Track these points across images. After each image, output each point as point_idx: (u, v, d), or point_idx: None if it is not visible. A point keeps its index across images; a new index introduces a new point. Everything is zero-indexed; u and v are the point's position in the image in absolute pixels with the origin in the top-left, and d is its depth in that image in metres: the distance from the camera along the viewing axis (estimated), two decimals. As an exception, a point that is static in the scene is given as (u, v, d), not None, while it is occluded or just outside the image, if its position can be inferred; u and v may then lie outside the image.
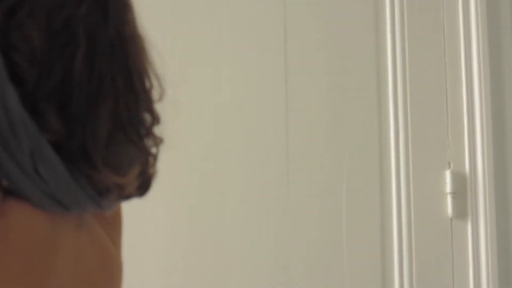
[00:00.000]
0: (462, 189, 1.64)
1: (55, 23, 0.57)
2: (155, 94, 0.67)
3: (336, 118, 1.64)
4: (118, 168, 0.61)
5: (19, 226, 0.57)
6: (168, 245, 1.55)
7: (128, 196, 0.66)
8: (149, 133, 0.66)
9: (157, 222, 1.53)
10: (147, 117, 0.65)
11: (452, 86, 1.67)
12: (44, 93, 0.56)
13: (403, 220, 1.63)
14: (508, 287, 1.63)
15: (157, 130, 0.67)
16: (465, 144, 1.66)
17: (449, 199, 1.64)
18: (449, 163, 1.66)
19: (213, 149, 1.58)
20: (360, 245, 1.61)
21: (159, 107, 0.70)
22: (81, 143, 0.58)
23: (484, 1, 1.67)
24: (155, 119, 0.66)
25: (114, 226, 0.72)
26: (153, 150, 0.67)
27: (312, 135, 1.62)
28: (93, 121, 0.58)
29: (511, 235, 1.65)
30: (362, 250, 1.62)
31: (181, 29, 1.59)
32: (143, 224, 1.51)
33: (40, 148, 0.55)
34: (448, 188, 1.64)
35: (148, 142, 0.66)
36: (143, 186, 0.67)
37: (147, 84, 0.65)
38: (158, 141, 0.67)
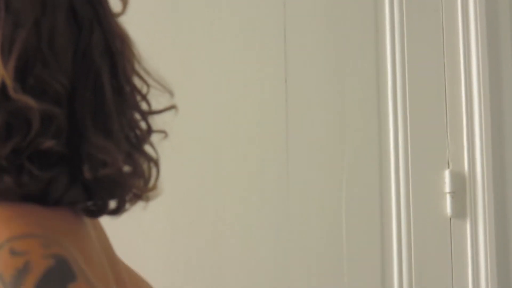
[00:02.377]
0: (461, 188, 1.65)
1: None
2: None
3: (336, 118, 1.64)
4: None
5: None
6: (168, 245, 1.55)
7: None
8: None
9: (157, 221, 1.52)
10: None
11: (451, 86, 1.68)
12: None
13: (402, 220, 1.63)
14: (507, 287, 1.64)
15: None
16: (464, 143, 1.66)
17: (448, 199, 1.65)
18: (448, 163, 1.66)
19: (213, 149, 1.58)
20: (359, 244, 1.62)
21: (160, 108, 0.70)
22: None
23: (483, 1, 1.67)
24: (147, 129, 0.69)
25: None
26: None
27: (312, 135, 1.62)
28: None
29: (510, 234, 1.66)
30: (362, 250, 1.62)
31: (180, 29, 1.58)
32: (142, 224, 1.50)
33: None
34: (447, 187, 1.65)
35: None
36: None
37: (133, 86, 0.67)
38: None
